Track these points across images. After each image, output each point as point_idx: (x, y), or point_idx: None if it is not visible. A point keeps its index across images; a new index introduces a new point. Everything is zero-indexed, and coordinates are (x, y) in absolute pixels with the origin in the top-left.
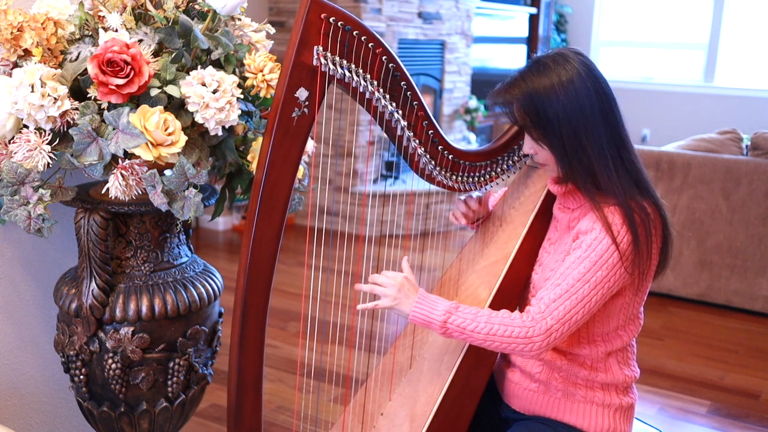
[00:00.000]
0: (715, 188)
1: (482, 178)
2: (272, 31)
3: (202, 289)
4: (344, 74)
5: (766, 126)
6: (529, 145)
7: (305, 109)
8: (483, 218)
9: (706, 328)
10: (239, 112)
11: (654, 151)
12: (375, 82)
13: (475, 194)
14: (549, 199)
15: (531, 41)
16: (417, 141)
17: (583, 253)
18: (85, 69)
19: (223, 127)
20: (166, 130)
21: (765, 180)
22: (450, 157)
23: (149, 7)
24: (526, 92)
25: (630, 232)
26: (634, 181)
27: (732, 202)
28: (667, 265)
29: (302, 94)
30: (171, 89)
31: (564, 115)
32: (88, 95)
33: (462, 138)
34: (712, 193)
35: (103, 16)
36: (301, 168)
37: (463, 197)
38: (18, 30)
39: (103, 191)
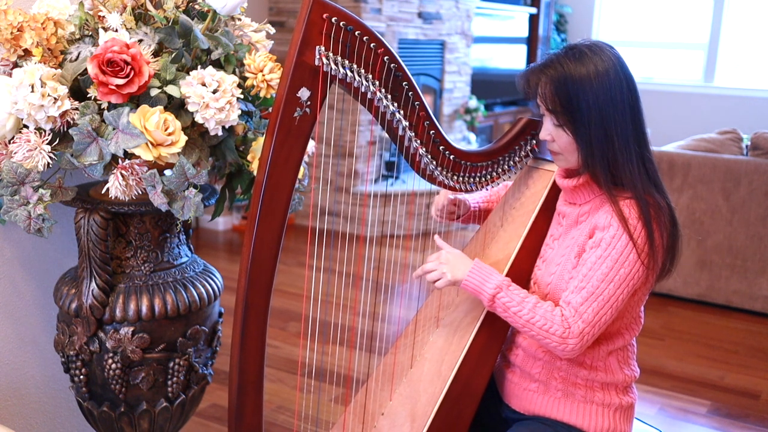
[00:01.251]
0: (715, 188)
1: (483, 179)
2: (272, 31)
3: (202, 289)
4: (346, 74)
5: (766, 126)
6: (548, 131)
7: (307, 109)
8: (464, 215)
9: (706, 328)
10: (239, 112)
11: (654, 151)
12: (377, 82)
13: (451, 195)
14: (550, 199)
15: (531, 41)
16: (418, 141)
17: (603, 252)
18: (85, 69)
19: (223, 127)
20: (166, 130)
21: (765, 180)
22: (451, 157)
23: (149, 7)
24: (561, 75)
25: (645, 227)
26: (652, 180)
27: (732, 202)
28: (675, 267)
29: (304, 94)
30: (171, 89)
31: (596, 106)
32: (88, 95)
33: (462, 138)
34: (712, 193)
35: (103, 16)
36: (301, 168)
37: (451, 196)
38: (18, 30)
39: (103, 191)
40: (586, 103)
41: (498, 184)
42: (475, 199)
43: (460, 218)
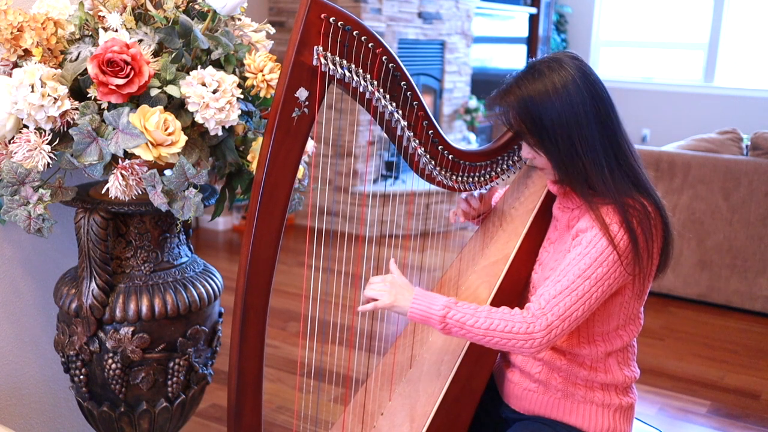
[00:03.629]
0: (715, 188)
1: (482, 178)
2: (272, 31)
3: (202, 289)
4: (344, 74)
5: (766, 126)
6: (526, 151)
7: (305, 109)
8: (485, 214)
9: (706, 328)
10: (239, 112)
11: (654, 151)
12: (375, 82)
13: (477, 192)
14: (549, 199)
15: (531, 41)
16: (417, 141)
17: (583, 249)
18: (85, 69)
19: (223, 127)
20: (166, 130)
21: (765, 180)
22: (450, 157)
23: (149, 7)
24: (521, 98)
25: (627, 232)
26: (632, 182)
27: (732, 202)
28: (668, 266)
29: (302, 94)
30: (171, 89)
31: (558, 121)
32: (88, 95)
33: (462, 138)
34: (712, 193)
35: (103, 16)
36: (300, 168)
37: (464, 195)
38: (18, 30)
39: (103, 191)
40: (549, 121)
41: (497, 184)
42: (495, 199)
43: (480, 217)
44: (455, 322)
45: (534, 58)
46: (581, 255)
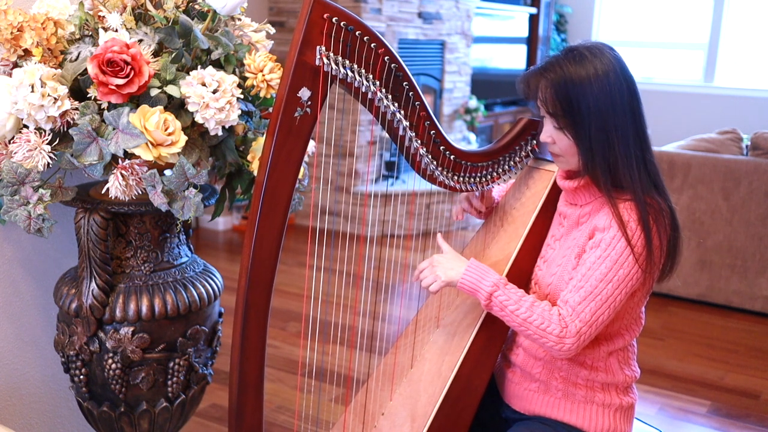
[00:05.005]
0: (715, 188)
1: (484, 179)
2: (272, 31)
3: (202, 289)
4: (346, 74)
5: (766, 126)
6: (548, 134)
7: (307, 109)
8: (489, 209)
9: (706, 328)
10: (239, 112)
11: (654, 151)
12: (377, 83)
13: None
14: (551, 199)
15: (531, 41)
16: (419, 141)
17: (603, 252)
18: (85, 69)
19: (223, 127)
20: (166, 130)
21: (765, 180)
22: (452, 157)
23: (149, 7)
24: (561, 78)
25: (643, 231)
26: (653, 182)
27: (732, 202)
28: (675, 269)
29: (305, 93)
30: (171, 89)
31: (596, 108)
32: (88, 95)
33: (462, 138)
34: (712, 193)
35: (103, 16)
36: (301, 168)
37: (464, 195)
38: (18, 30)
39: (103, 191)
40: (586, 106)
41: (498, 184)
42: (499, 192)
43: (483, 213)
44: (498, 303)
45: (571, 45)
46: (601, 258)
